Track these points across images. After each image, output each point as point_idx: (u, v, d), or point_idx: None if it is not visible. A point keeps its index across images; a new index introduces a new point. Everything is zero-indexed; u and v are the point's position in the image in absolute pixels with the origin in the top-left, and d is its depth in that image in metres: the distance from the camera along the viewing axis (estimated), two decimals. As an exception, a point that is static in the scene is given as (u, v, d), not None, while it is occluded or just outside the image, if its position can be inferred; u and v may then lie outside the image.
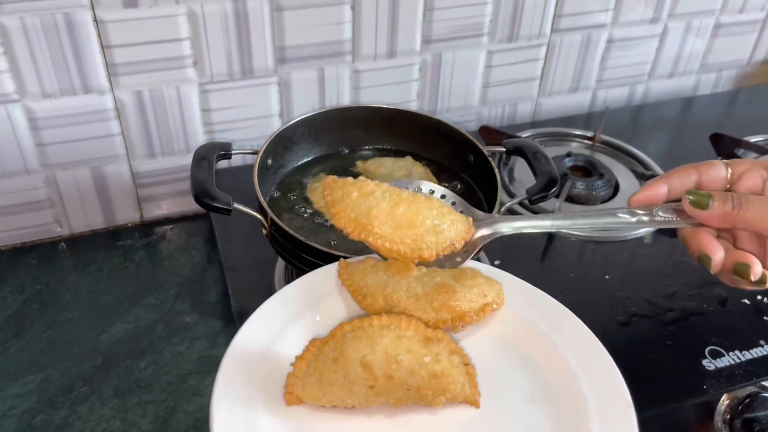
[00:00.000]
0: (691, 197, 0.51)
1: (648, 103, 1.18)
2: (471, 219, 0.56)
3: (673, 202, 0.54)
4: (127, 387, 0.73)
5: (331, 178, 0.57)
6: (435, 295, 0.53)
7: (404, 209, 0.55)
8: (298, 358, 0.51)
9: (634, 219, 0.54)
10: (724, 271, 0.52)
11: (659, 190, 0.54)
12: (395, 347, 0.49)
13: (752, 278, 0.50)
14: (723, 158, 0.99)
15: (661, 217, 0.53)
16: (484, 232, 0.57)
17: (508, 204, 0.71)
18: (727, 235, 0.53)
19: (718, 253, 0.51)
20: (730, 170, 0.53)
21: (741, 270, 0.51)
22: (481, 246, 0.57)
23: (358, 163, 0.83)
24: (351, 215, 0.55)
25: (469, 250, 0.57)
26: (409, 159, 0.82)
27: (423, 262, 0.55)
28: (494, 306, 0.54)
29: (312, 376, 0.50)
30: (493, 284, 0.56)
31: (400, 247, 0.55)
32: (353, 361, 0.48)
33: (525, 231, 0.58)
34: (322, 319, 0.56)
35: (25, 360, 0.75)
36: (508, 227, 0.57)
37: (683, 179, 0.53)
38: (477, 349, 0.54)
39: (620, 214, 0.54)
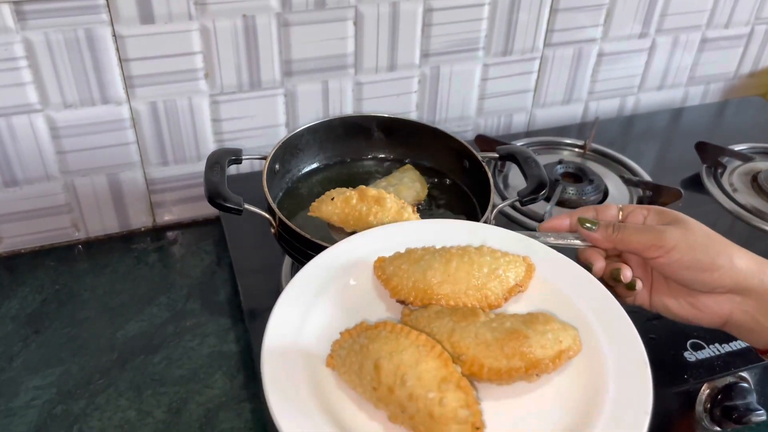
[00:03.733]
0: (581, 220, 0.62)
1: (638, 114, 1.21)
2: (528, 257, 0.60)
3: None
4: (142, 380, 0.76)
5: (379, 258, 0.59)
6: (506, 341, 0.50)
7: (456, 263, 0.56)
8: (345, 331, 0.53)
9: (545, 239, 0.64)
10: (606, 278, 0.62)
11: (563, 221, 0.64)
12: (408, 366, 0.48)
13: (623, 280, 0.61)
14: (707, 165, 1.04)
15: (558, 238, 0.64)
16: None
17: (500, 206, 0.75)
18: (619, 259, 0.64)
19: (598, 262, 0.62)
20: (621, 213, 0.63)
21: (614, 273, 0.61)
22: None
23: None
24: (408, 285, 0.56)
25: None
26: (407, 166, 0.86)
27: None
28: (570, 353, 0.52)
29: (344, 350, 0.51)
30: (568, 329, 0.53)
31: (465, 301, 0.55)
32: (371, 356, 0.49)
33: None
34: (357, 281, 0.59)
35: (46, 355, 0.78)
36: None
37: (583, 213, 0.63)
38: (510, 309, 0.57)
39: (538, 237, 0.64)
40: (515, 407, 0.52)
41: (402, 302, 0.57)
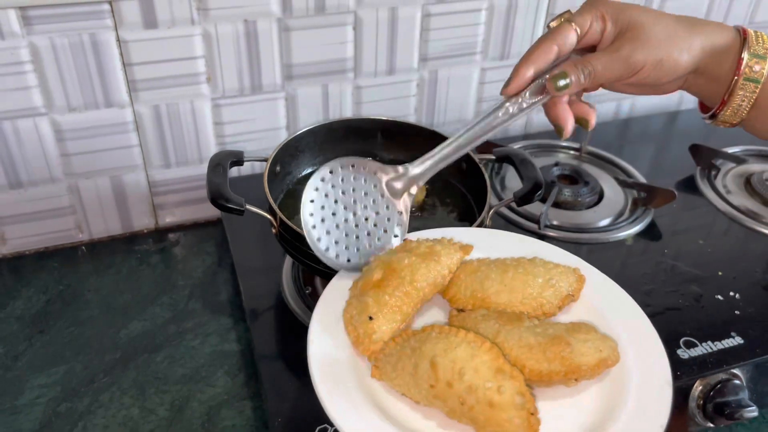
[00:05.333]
0: (554, 82, 0.57)
1: (633, 117, 1.22)
2: (578, 268, 0.61)
3: (533, 83, 0.60)
4: (145, 378, 0.77)
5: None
6: (548, 346, 0.52)
7: (512, 273, 0.58)
8: (390, 340, 0.55)
9: (511, 112, 0.60)
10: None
11: (526, 74, 0.58)
12: (465, 361, 0.50)
13: (588, 129, 0.61)
14: (701, 167, 1.05)
15: (529, 101, 0.59)
16: (412, 174, 0.62)
17: (496, 206, 0.76)
18: None
19: (569, 122, 0.60)
20: (578, 30, 0.58)
21: (581, 123, 0.60)
22: (415, 190, 0.62)
23: None
24: (466, 294, 0.58)
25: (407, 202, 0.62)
26: None
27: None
28: (609, 362, 0.54)
29: (393, 357, 0.53)
30: (608, 341, 0.55)
31: (522, 310, 0.57)
32: (425, 356, 0.51)
33: (431, 165, 0.63)
34: None
35: (50, 354, 0.79)
36: (419, 168, 0.62)
37: (545, 56, 0.58)
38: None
39: (500, 114, 0.60)
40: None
41: (461, 311, 0.59)
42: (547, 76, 0.58)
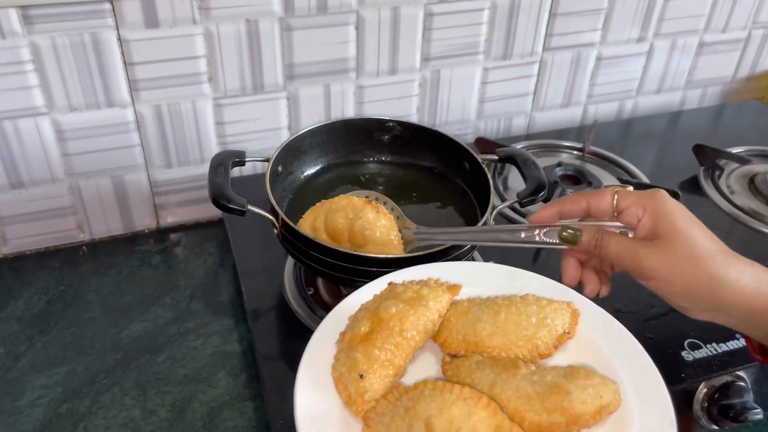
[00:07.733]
0: (564, 233, 0.58)
1: (636, 117, 1.22)
2: (572, 302, 0.59)
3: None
4: (147, 379, 0.76)
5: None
6: (547, 396, 0.50)
7: (505, 314, 0.56)
8: (381, 397, 0.52)
9: (523, 237, 0.60)
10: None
11: (549, 210, 0.60)
12: (462, 420, 0.48)
13: (586, 296, 0.60)
14: (704, 168, 1.04)
15: (543, 238, 0.60)
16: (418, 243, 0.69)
17: (500, 207, 0.76)
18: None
19: (567, 274, 0.60)
20: (616, 199, 0.57)
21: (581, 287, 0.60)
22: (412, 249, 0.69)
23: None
24: (458, 338, 0.56)
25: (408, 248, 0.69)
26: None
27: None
28: (611, 408, 0.51)
29: (386, 416, 0.51)
30: (608, 384, 0.53)
31: (516, 352, 0.55)
32: (420, 416, 0.49)
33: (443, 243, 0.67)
34: None
35: (51, 354, 0.79)
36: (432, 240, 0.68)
37: (573, 205, 0.59)
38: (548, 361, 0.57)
39: (517, 233, 0.61)
40: None
41: (453, 356, 0.57)
42: (561, 228, 0.59)
